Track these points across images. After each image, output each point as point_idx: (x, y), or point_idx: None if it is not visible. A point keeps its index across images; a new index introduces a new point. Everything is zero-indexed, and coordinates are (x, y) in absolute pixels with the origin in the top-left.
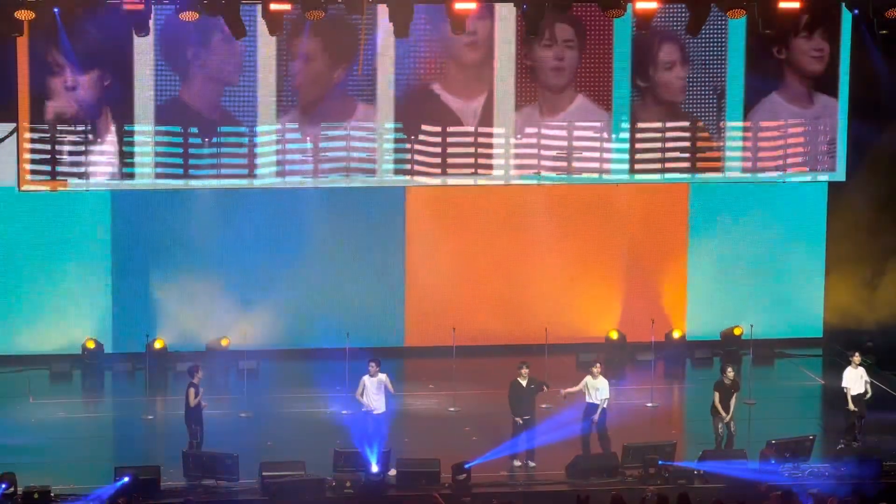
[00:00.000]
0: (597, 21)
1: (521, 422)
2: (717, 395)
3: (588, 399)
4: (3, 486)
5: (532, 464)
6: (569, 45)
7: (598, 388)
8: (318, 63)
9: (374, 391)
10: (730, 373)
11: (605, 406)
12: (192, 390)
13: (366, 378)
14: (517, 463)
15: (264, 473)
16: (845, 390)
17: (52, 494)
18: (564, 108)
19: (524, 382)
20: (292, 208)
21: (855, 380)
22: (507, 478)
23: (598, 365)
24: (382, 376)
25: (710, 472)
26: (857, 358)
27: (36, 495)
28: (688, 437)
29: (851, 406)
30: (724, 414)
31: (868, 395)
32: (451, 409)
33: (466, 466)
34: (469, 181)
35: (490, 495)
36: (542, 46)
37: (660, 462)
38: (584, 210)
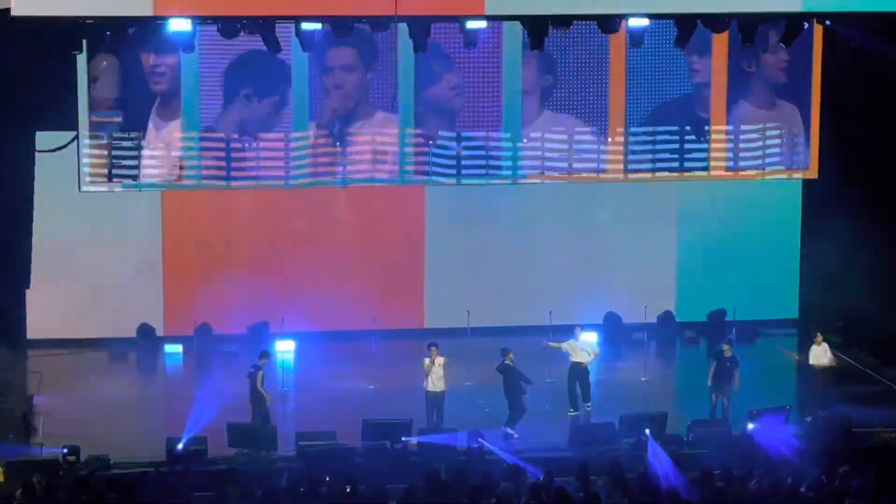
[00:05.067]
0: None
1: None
2: (712, 365)
3: (573, 359)
4: (65, 450)
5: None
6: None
7: (583, 349)
8: (345, 75)
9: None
10: (724, 346)
11: (593, 361)
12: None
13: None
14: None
15: (300, 443)
16: (813, 367)
17: (111, 462)
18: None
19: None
20: (324, 206)
21: (820, 356)
22: (512, 445)
23: (579, 327)
24: (440, 359)
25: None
26: (818, 337)
27: (97, 463)
28: (677, 409)
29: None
30: (709, 382)
31: (834, 366)
32: (467, 383)
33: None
34: (481, 181)
35: (500, 461)
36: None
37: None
38: (582, 206)
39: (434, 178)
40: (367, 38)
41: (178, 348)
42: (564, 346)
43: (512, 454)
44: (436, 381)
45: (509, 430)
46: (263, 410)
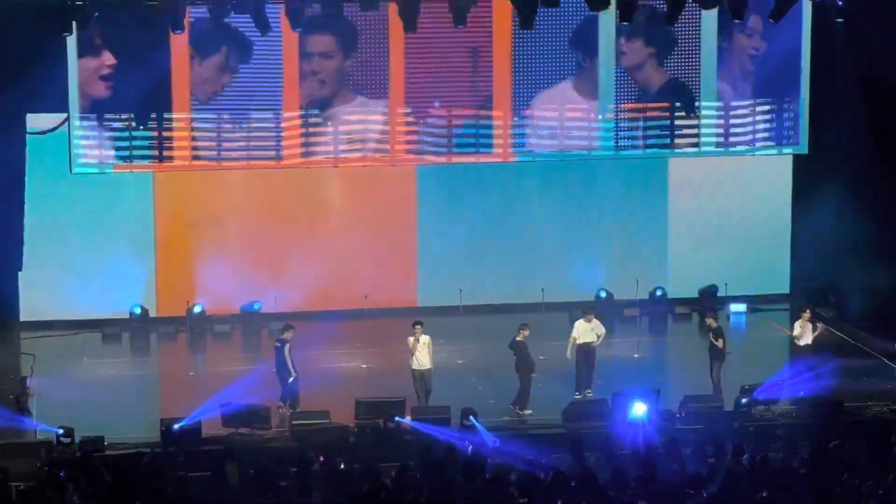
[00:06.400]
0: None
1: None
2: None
3: (581, 341)
4: (61, 431)
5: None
6: None
7: (592, 329)
8: (334, 57)
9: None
10: (708, 319)
11: (600, 342)
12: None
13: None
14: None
15: (294, 422)
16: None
17: (106, 443)
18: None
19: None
20: (315, 185)
21: (804, 331)
22: (507, 422)
23: (589, 313)
24: (425, 338)
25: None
26: (807, 314)
27: (91, 445)
28: (671, 385)
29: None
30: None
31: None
32: (459, 361)
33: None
34: (472, 159)
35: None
36: None
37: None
38: (574, 182)
39: (425, 156)
40: (347, 23)
41: None
42: (574, 333)
43: (500, 433)
44: (421, 358)
45: (517, 410)
46: (289, 384)
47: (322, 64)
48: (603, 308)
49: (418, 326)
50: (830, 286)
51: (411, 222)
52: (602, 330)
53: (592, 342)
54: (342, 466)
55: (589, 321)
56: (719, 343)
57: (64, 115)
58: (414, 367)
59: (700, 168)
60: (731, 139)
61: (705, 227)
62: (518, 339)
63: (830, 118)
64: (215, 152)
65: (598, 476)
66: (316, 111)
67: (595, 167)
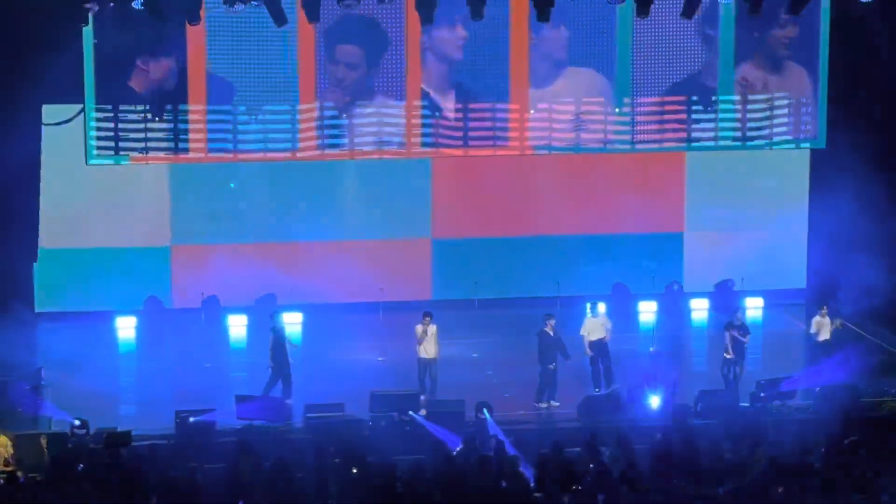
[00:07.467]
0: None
1: (552, 367)
2: (727, 335)
3: (592, 337)
4: (77, 423)
5: (555, 403)
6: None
7: (601, 324)
8: (348, 71)
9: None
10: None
11: (608, 337)
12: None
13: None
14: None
15: (308, 415)
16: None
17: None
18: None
19: (551, 333)
20: (331, 178)
21: (824, 326)
22: (524, 417)
23: (600, 304)
24: (433, 328)
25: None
26: (824, 311)
27: (106, 436)
28: (686, 379)
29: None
30: (726, 354)
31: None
32: (474, 354)
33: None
34: (488, 152)
35: (508, 433)
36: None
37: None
38: (590, 176)
39: (441, 149)
40: (376, 31)
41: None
42: (582, 330)
43: (515, 426)
44: (428, 348)
45: (541, 405)
46: (285, 371)
47: (347, 73)
48: (618, 302)
49: (427, 317)
50: (848, 281)
51: (426, 215)
52: (609, 324)
53: (604, 337)
54: (356, 460)
55: (596, 316)
56: (746, 339)
57: (80, 106)
58: (421, 356)
59: (716, 161)
60: (749, 133)
61: (721, 221)
62: (546, 329)
63: (848, 112)
64: (231, 144)
65: (614, 470)
66: (332, 104)
67: (611, 161)
